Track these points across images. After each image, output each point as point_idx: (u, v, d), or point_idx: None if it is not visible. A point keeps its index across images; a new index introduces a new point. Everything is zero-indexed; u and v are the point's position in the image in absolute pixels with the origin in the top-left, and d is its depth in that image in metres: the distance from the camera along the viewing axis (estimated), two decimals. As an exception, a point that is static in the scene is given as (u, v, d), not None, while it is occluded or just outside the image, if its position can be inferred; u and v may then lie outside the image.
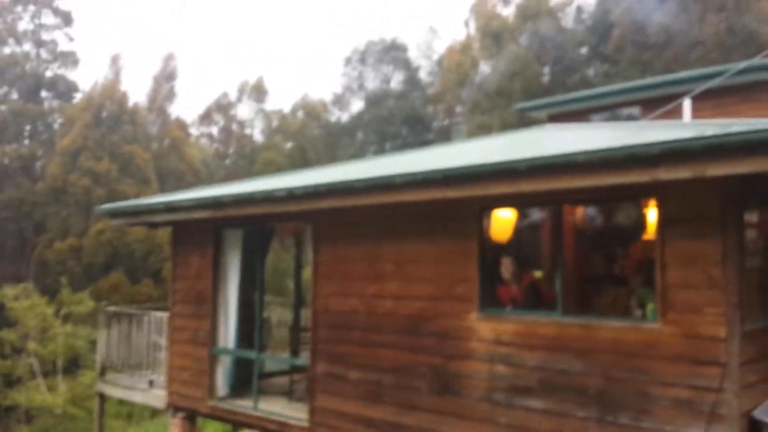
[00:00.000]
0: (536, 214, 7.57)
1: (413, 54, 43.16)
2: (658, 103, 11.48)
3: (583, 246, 7.70)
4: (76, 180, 31.94)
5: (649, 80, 15.29)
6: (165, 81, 38.45)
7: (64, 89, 39.07)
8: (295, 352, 10.29)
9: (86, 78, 41.84)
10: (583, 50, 31.69)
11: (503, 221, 6.94)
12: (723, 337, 4.96)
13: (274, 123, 45.60)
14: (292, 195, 7.32)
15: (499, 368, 6.22)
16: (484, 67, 34.13)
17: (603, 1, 29.39)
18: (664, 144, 4.71)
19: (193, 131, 44.55)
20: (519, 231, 7.23)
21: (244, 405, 8.81)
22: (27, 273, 31.51)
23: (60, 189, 32.53)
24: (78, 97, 37.87)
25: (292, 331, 11.14)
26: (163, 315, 10.33)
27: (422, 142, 36.84)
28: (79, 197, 31.97)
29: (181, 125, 39.05)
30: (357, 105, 42.82)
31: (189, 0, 78.54)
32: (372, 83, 42.85)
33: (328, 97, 44.73)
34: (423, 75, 43.19)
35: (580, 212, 7.58)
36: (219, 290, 9.31)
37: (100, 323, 11.80)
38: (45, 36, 39.86)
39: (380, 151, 39.76)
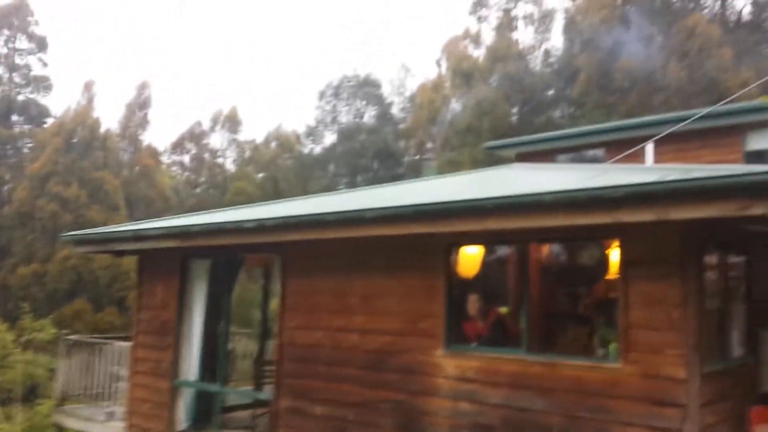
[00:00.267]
0: (503, 251, 7.66)
1: (386, 90, 43.75)
2: (621, 146, 11.78)
3: (548, 284, 7.79)
4: (44, 205, 31.39)
5: (613, 124, 15.71)
6: (138, 108, 38.20)
7: (35, 114, 38.62)
8: (258, 386, 10.14)
9: (59, 103, 41.48)
10: (550, 92, 32.42)
11: (470, 257, 7.01)
12: (683, 379, 5.03)
13: (247, 153, 45.53)
14: (261, 226, 7.31)
15: (463, 405, 6.22)
16: (455, 105, 34.65)
17: (569, 47, 30.20)
18: (628, 187, 4.84)
19: (165, 159, 44.24)
20: (486, 267, 7.30)
21: (205, 439, 8.64)
22: (-12, 298, 30.65)
23: (27, 213, 31.90)
24: (50, 122, 37.47)
25: (257, 363, 10.99)
26: (125, 345, 10.14)
27: (393, 176, 37.07)
28: (45, 222, 31.38)
29: (153, 153, 38.73)
30: (330, 138, 43.08)
31: (166, 29, 78.57)
32: (345, 117, 43.20)
33: (301, 129, 44.93)
34: (395, 111, 43.70)
35: (546, 250, 7.68)
36: (183, 321, 9.18)
37: (61, 352, 11.52)
38: (19, 60, 39.54)
39: (352, 183, 39.88)
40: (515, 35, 33.19)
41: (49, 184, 31.99)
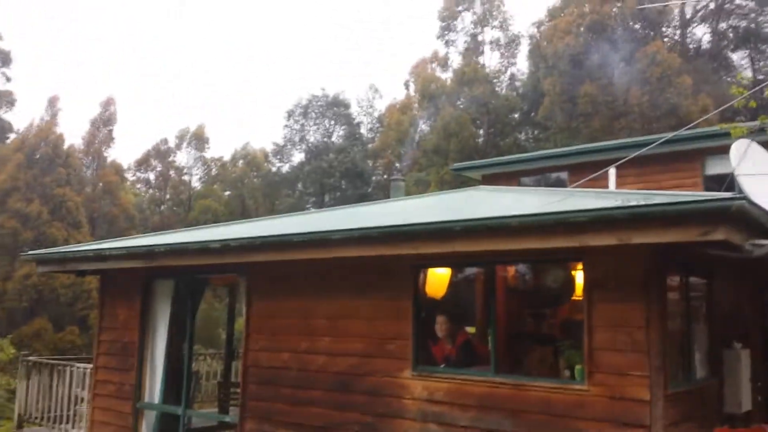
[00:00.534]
0: (470, 272, 7.71)
1: (354, 110, 43.93)
2: (584, 169, 11.99)
3: (515, 305, 7.86)
4: (4, 221, 30.66)
5: (577, 147, 16.02)
6: (103, 125, 37.65)
7: (-2, 129, 37.84)
8: (223, 408, 9.99)
9: (23, 119, 40.52)
10: (516, 115, 32.95)
11: (438, 279, 7.04)
12: (647, 400, 5.10)
13: (214, 171, 45.17)
14: (227, 247, 7.24)
15: (432, 427, 6.20)
16: (423, 126, 34.97)
17: (535, 71, 30.78)
18: (592, 212, 4.92)
19: (130, 176, 43.62)
20: (453, 288, 7.34)
21: (167, 464, 8.45)
22: (-55, 317, 29.70)
23: (-14, 230, 31.11)
24: (12, 137, 36.73)
25: (222, 385, 10.84)
26: (87, 367, 9.90)
27: (361, 195, 37.14)
28: (5, 239, 30.64)
29: (117, 169, 38.16)
30: (298, 157, 43.01)
31: (133, 46, 77.89)
32: (313, 136, 43.22)
33: (269, 148, 44.77)
34: (363, 131, 43.87)
35: (512, 272, 7.76)
36: (146, 342, 9.02)
37: (20, 373, 11.20)
38: (-19, 75, 38.78)
39: (319, 202, 39.82)
40: (482, 59, 33.70)
41: (10, 201, 31.31)
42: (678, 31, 32.07)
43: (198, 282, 9.02)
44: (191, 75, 76.04)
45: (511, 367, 6.51)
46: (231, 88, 74.03)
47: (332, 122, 43.28)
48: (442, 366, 6.65)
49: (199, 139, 44.07)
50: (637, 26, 27.49)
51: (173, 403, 8.71)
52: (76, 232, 31.81)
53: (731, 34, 31.21)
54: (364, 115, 44.33)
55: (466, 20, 33.76)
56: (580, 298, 5.70)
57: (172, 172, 43.63)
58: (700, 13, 32.04)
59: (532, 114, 30.74)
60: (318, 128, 43.34)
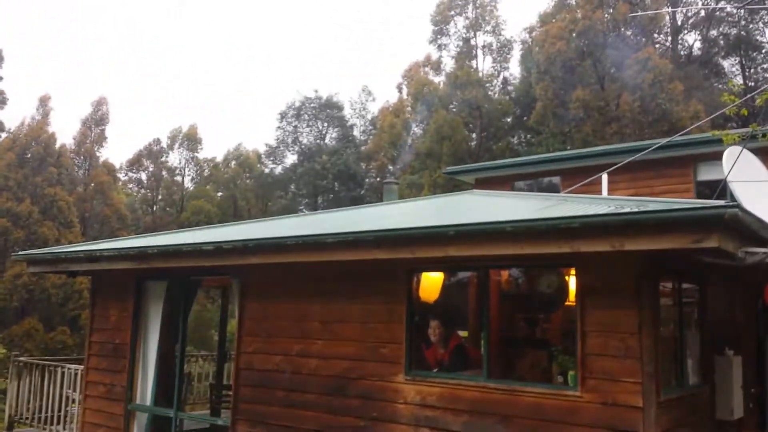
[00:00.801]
0: (464, 277, 7.72)
1: (348, 112, 43.94)
2: (577, 174, 12.07)
3: (508, 309, 7.88)
4: (-6, 221, 30.46)
5: (569, 152, 16.11)
6: (95, 125, 37.47)
7: (-12, 128, 37.50)
8: (215, 411, 9.97)
9: (14, 117, 40.13)
10: (508, 119, 33.05)
11: (431, 283, 7.05)
12: (640, 406, 5.12)
13: (206, 171, 45.05)
14: (220, 249, 7.23)
15: (424, 432, 6.21)
16: (416, 129, 35.01)
17: (527, 76, 30.90)
18: (585, 218, 4.95)
19: (122, 176, 43.44)
20: (446, 292, 7.35)
21: (158, 466, 8.42)
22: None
23: (-24, 230, 30.87)
24: (3, 136, 36.49)
25: (214, 388, 10.81)
26: (78, 368, 9.86)
27: (354, 198, 37.13)
28: (-4, 238, 30.46)
29: (109, 169, 37.98)
30: (291, 159, 42.97)
31: (131, 46, 77.62)
32: (306, 138, 43.19)
33: (262, 149, 44.69)
34: (357, 133, 43.88)
35: (506, 276, 7.78)
36: (138, 343, 8.99)
37: (11, 374, 11.14)
38: (-27, 74, 38.42)
39: (312, 204, 39.79)
40: (474, 63, 33.77)
41: (0, 200, 31.12)
42: (669, 38, 32.28)
43: (190, 284, 8.99)
44: (190, 75, 76.01)
45: (503, 372, 6.54)
46: (229, 88, 74.01)
47: (325, 124, 43.28)
48: (435, 370, 6.66)
49: (191, 140, 43.94)
50: (628, 32, 27.63)
51: (165, 405, 8.68)
52: (68, 232, 31.65)
53: (722, 42, 31.45)
54: (358, 117, 44.37)
55: (458, 25, 33.86)
56: (573, 304, 5.73)
57: (164, 173, 43.49)
58: (691, 20, 32.27)
59: (525, 118, 30.85)
60: (311, 130, 43.33)
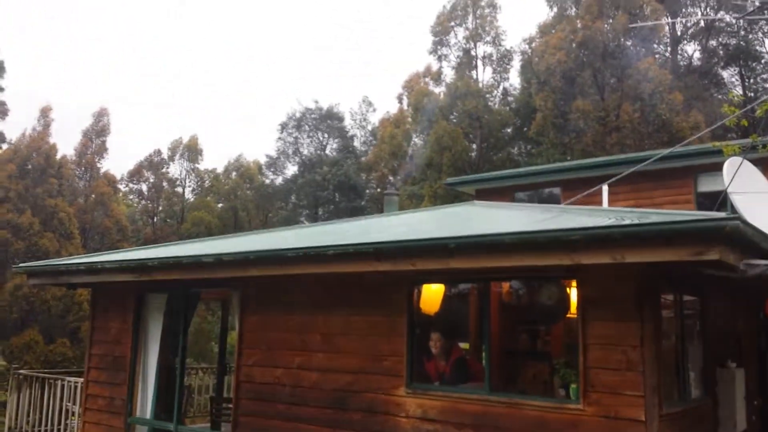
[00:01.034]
0: (465, 289, 7.70)
1: (348, 123, 44.01)
2: (577, 185, 12.07)
3: (510, 321, 7.85)
4: (-5, 232, 30.42)
5: (570, 163, 16.11)
6: (96, 136, 37.52)
7: (-11, 139, 37.53)
8: (215, 424, 9.91)
9: (15, 129, 40.19)
10: (509, 130, 33.08)
11: (432, 295, 7.03)
12: (642, 420, 5.09)
13: (207, 182, 45.06)
14: (220, 261, 7.22)
15: (425, 445, 6.17)
16: (416, 140, 35.03)
17: (527, 87, 30.96)
18: (585, 230, 4.94)
19: (123, 187, 43.43)
20: (447, 304, 7.32)
21: (157, 480, 8.37)
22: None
23: (-23, 241, 30.83)
24: (4, 147, 36.53)
25: (214, 400, 10.76)
26: (78, 381, 9.83)
27: (354, 209, 37.12)
28: (-4, 250, 30.42)
29: (110, 180, 37.97)
30: (291, 169, 42.99)
31: (127, 57, 77.91)
32: (307, 149, 43.24)
33: (262, 160, 44.73)
34: (357, 144, 43.93)
35: (507, 288, 7.76)
36: (138, 356, 8.96)
37: (11, 386, 11.11)
38: (-26, 85, 38.52)
39: (313, 215, 39.77)
40: (474, 74, 33.85)
41: (0, 211, 31.11)
42: (669, 48, 32.37)
43: (191, 296, 8.97)
44: (189, 75, 76.34)
45: (505, 385, 6.50)
46: (229, 87, 74.26)
47: (326, 135, 43.33)
48: (437, 383, 6.63)
49: (192, 151, 43.95)
50: (628, 43, 27.69)
51: (165, 418, 8.64)
52: (68, 244, 31.60)
53: (721, 52, 31.52)
54: (358, 128, 44.40)
55: (458, 35, 33.96)
56: (575, 316, 5.71)
57: (165, 184, 43.50)
58: (690, 31, 32.37)
59: (525, 129, 30.87)
60: (311, 141, 43.37)
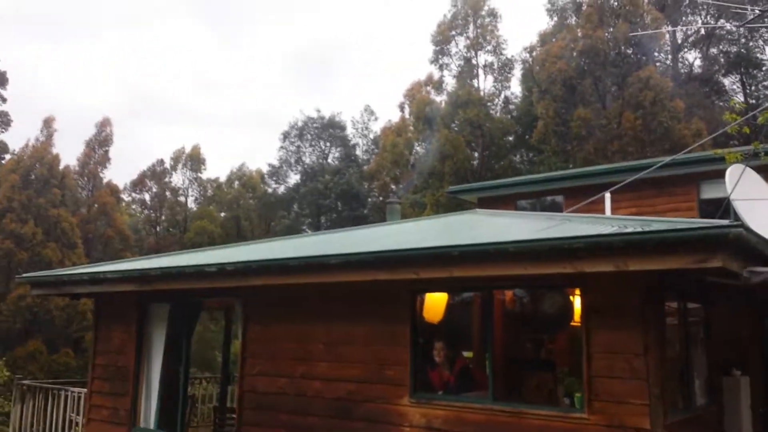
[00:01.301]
0: (468, 297, 7.70)
1: (350, 132, 44.11)
2: (580, 192, 12.06)
3: (513, 330, 7.84)
4: (-1, 242, 30.47)
5: (572, 171, 16.11)
6: (99, 146, 37.64)
7: (-7, 150, 37.66)
8: (218, 434, 9.90)
9: (18, 139, 40.19)
10: (510, 138, 33.12)
11: (435, 303, 7.02)
12: (647, 429, 5.07)
13: (209, 192, 45.14)
14: (223, 271, 7.23)
15: (429, 455, 6.15)
16: (418, 149, 35.08)
17: (528, 95, 31.01)
18: (588, 238, 4.95)
19: (125, 197, 43.53)
20: (451, 313, 7.32)
21: (161, 490, 8.35)
22: (-62, 340, 29.38)
23: (-20, 251, 30.86)
24: (7, 158, 36.65)
25: (218, 410, 10.74)
26: (81, 391, 9.82)
27: (357, 217, 37.13)
28: (0, 260, 30.44)
29: (113, 190, 38.05)
30: (294, 178, 43.09)
31: (131, 67, 78.15)
32: (309, 158, 43.33)
33: (265, 169, 44.83)
34: (359, 152, 44.01)
35: (510, 297, 7.76)
36: (142, 366, 8.95)
37: (14, 397, 11.10)
38: (-23, 96, 38.69)
39: (315, 224, 39.78)
40: (476, 82, 33.93)
41: (4, 221, 31.17)
42: (670, 56, 32.42)
43: (194, 305, 8.98)
44: (189, 74, 76.48)
45: (509, 394, 6.48)
46: (228, 108, 74.38)
47: (328, 144, 43.44)
48: (440, 392, 6.61)
49: (194, 160, 44.05)
50: (629, 51, 27.75)
51: (168, 428, 8.63)
52: (71, 253, 31.62)
53: (722, 59, 31.58)
54: (360, 137, 44.51)
55: (459, 44, 34.05)
56: (578, 324, 5.70)
57: (167, 193, 43.57)
58: (691, 38, 32.44)
59: (527, 137, 30.91)
60: (314, 150, 43.47)
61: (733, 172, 7.51)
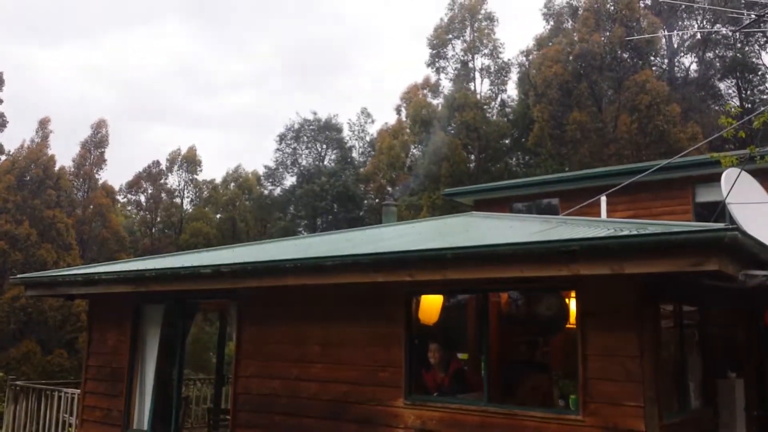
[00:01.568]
0: (463, 299, 7.69)
1: (346, 134, 44.12)
2: (576, 195, 12.08)
3: (508, 332, 7.83)
4: (-7, 243, 30.38)
5: (568, 174, 16.14)
6: (94, 147, 37.59)
7: (-12, 150, 37.54)
8: (213, 435, 9.86)
9: (13, 140, 40.05)
10: (506, 141, 33.19)
11: (430, 305, 7.02)
12: (642, 431, 5.06)
13: (205, 193, 45.09)
14: (218, 272, 7.21)
15: (424, 457, 6.13)
16: (414, 151, 35.11)
17: (524, 99, 31.07)
18: (583, 241, 4.94)
19: (121, 198, 43.46)
20: (446, 315, 7.31)
21: (154, 492, 8.31)
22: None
23: (-25, 251, 30.77)
24: (2, 158, 36.59)
25: (212, 411, 10.71)
26: (75, 392, 9.78)
27: (353, 219, 37.13)
28: (-6, 261, 30.36)
29: (108, 191, 38.00)
30: (290, 180, 43.07)
31: (127, 68, 78.05)
32: (305, 160, 43.32)
33: (261, 171, 44.81)
34: (355, 155, 44.02)
35: (505, 299, 7.76)
36: (135, 367, 8.92)
37: (8, 398, 11.05)
38: (-28, 97, 38.54)
39: (311, 226, 39.75)
40: (472, 86, 33.98)
41: (-1, 222, 31.10)
42: (666, 60, 32.51)
43: (188, 307, 8.95)
44: (189, 74, 76.36)
45: (504, 396, 6.48)
46: (223, 108, 74.32)
47: (324, 146, 43.45)
48: (435, 394, 6.60)
49: (190, 162, 44.02)
50: (625, 55, 27.83)
51: (162, 429, 8.59)
52: (66, 255, 31.57)
53: (718, 64, 31.68)
54: (356, 139, 44.55)
55: (456, 48, 34.12)
56: (574, 327, 5.70)
57: (163, 195, 43.51)
58: (687, 43, 32.54)
59: (523, 140, 30.96)
60: (310, 152, 43.47)
61: (728, 175, 7.54)
